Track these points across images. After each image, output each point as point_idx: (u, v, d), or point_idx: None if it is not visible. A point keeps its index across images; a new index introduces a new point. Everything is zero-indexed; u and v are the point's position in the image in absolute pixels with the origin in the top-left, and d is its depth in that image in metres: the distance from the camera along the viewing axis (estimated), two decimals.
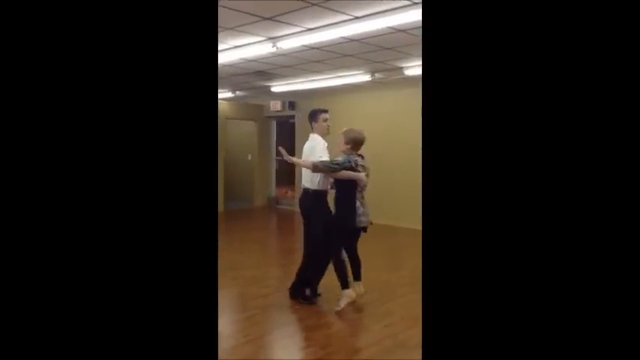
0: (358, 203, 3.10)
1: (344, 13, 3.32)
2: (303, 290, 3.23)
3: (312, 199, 3.21)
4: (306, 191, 3.26)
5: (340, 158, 3.10)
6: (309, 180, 3.23)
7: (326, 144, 3.28)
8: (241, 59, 4.74)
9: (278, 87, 6.61)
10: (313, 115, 3.41)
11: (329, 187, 3.31)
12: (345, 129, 3.29)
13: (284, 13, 3.36)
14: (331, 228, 3.10)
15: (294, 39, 3.91)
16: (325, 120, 3.36)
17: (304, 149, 3.39)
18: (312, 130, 3.40)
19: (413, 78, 5.30)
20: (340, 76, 5.65)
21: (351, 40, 4.04)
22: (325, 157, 3.16)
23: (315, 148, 3.23)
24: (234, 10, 3.27)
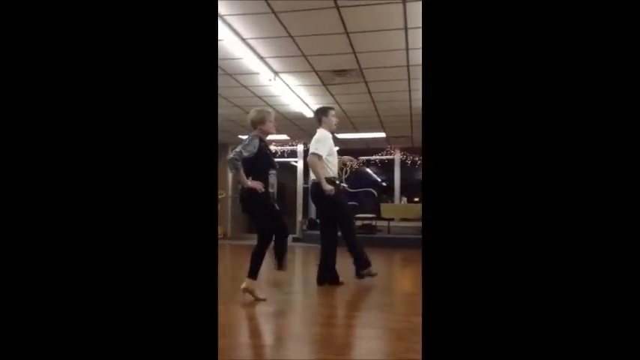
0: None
1: None
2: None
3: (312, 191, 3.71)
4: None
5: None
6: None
7: (329, 137, 3.72)
8: None
9: None
10: (323, 112, 3.80)
11: (336, 180, 3.70)
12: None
13: None
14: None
15: None
16: (333, 116, 3.77)
17: (312, 142, 3.78)
18: (321, 126, 3.79)
19: None
20: None
21: None
22: (321, 150, 3.61)
23: (318, 143, 3.65)
24: None
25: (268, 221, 3.14)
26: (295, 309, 3.08)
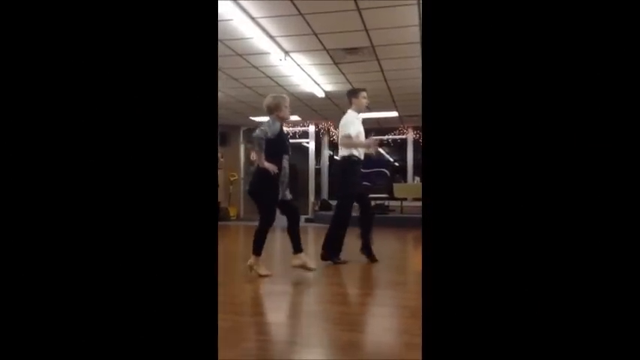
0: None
1: None
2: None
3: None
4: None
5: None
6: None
7: (359, 118, 3.88)
8: None
9: None
10: (354, 93, 3.94)
11: (355, 155, 3.78)
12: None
13: None
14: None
15: None
16: (364, 97, 3.90)
17: (340, 124, 3.89)
18: (350, 106, 3.91)
19: None
20: None
21: None
22: (352, 132, 3.73)
23: (346, 125, 3.77)
24: None
25: (271, 205, 3.25)
26: (309, 287, 3.11)
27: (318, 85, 6.50)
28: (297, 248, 3.34)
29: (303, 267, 3.34)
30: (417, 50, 5.02)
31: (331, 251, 3.82)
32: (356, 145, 3.82)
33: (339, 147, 3.94)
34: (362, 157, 3.96)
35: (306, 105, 7.86)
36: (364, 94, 3.96)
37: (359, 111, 3.95)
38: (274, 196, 3.22)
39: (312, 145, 9.99)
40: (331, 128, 9.79)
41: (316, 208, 9.56)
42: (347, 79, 6.25)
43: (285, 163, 3.29)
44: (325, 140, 10.17)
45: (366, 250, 3.89)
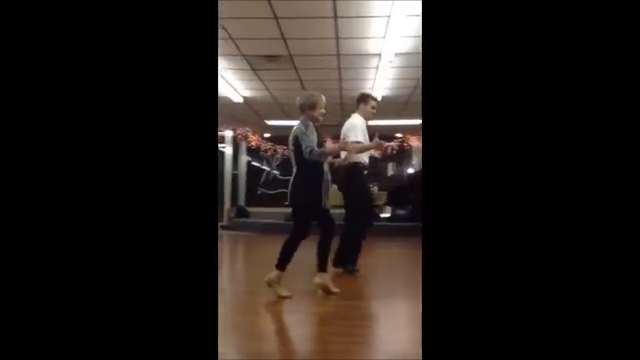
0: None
1: None
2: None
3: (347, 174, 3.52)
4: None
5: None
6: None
7: (364, 125, 3.60)
8: None
9: None
10: (364, 98, 3.73)
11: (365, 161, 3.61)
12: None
13: None
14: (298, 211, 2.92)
15: None
16: (373, 107, 3.69)
17: (343, 128, 3.60)
18: (357, 111, 3.69)
19: None
20: None
21: None
22: (361, 138, 3.45)
23: (355, 129, 3.48)
24: None
25: (312, 216, 2.89)
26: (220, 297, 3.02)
27: (235, 90, 6.41)
28: (323, 267, 2.91)
29: (325, 288, 2.90)
30: (334, 62, 5.17)
31: (346, 259, 3.61)
32: (367, 150, 3.54)
33: (347, 153, 3.54)
34: (367, 163, 3.76)
35: (223, 110, 7.70)
36: (373, 103, 3.73)
37: (365, 118, 3.70)
38: (318, 205, 2.84)
39: (229, 150, 9.79)
40: (249, 134, 9.68)
41: (232, 215, 9.36)
42: (265, 86, 6.24)
43: (326, 167, 2.92)
44: (243, 146, 10.04)
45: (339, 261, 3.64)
